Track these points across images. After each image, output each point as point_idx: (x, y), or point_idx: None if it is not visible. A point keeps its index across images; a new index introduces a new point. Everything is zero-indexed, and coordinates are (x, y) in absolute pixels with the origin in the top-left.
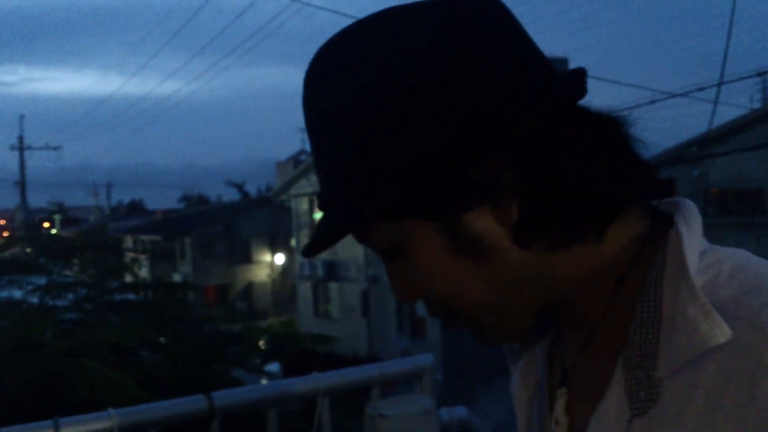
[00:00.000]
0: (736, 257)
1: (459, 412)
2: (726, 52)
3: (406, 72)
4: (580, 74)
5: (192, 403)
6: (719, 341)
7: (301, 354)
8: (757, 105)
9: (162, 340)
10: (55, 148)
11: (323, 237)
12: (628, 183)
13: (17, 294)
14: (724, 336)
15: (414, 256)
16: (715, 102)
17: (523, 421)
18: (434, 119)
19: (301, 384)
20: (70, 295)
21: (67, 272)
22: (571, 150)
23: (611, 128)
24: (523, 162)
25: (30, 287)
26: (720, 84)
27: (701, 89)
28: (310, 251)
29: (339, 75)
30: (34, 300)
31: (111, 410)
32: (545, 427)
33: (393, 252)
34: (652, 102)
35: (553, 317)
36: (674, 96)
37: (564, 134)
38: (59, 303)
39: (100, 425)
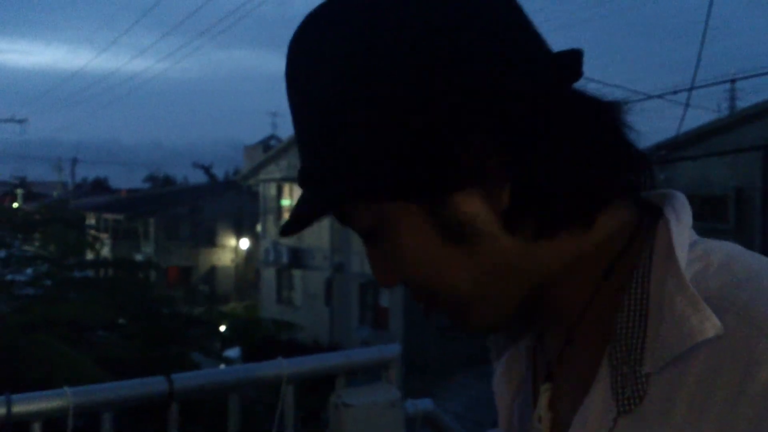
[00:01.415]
0: (725, 249)
1: (424, 404)
2: (699, 56)
3: (389, 47)
4: (576, 55)
5: (151, 385)
6: (708, 335)
7: (262, 340)
8: (725, 113)
9: (121, 320)
10: (20, 121)
11: (302, 216)
12: (620, 171)
13: None
14: (713, 329)
15: (396, 239)
16: (686, 105)
17: (505, 417)
18: (418, 95)
19: (265, 369)
20: (29, 270)
21: (27, 247)
22: (563, 133)
23: (605, 114)
24: (512, 142)
25: None
26: (691, 89)
27: (675, 92)
28: (288, 230)
29: (320, 50)
30: None
31: (66, 388)
32: (528, 424)
33: (374, 234)
34: (625, 103)
35: (538, 310)
36: (650, 97)
37: (555, 116)
38: (17, 277)
39: (54, 403)
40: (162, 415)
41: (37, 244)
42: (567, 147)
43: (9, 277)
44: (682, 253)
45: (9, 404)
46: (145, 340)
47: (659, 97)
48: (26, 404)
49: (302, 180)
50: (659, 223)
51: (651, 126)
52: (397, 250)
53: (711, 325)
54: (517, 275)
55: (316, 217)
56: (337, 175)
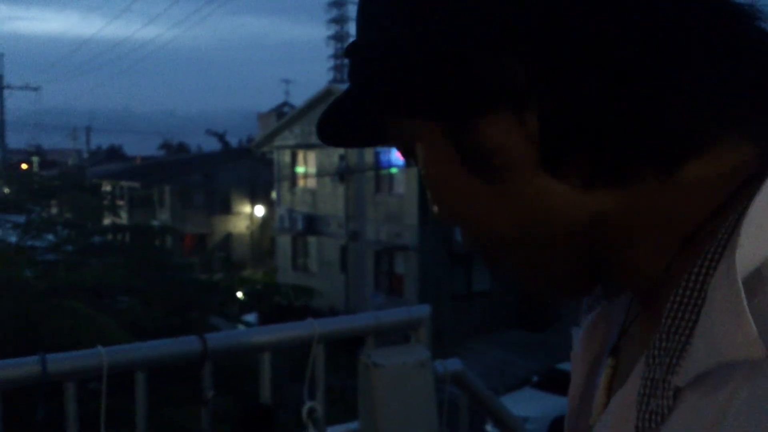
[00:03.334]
0: None
1: (453, 364)
2: None
3: None
4: None
5: (185, 344)
6: (740, 356)
7: (278, 307)
8: None
9: (141, 285)
10: (34, 89)
11: (335, 119)
12: (738, 87)
13: None
14: (751, 351)
15: (423, 164)
16: None
17: (577, 385)
18: None
19: (297, 329)
20: (50, 236)
21: (45, 214)
22: (633, 35)
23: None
24: (556, 52)
25: (8, 225)
26: None
27: None
28: (326, 130)
29: None
30: (13, 239)
31: (101, 348)
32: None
33: (408, 155)
34: None
35: (606, 273)
36: None
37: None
38: (38, 243)
39: (89, 362)
40: (194, 375)
41: (54, 210)
42: (638, 57)
43: (29, 243)
44: (755, 232)
45: (44, 363)
46: (165, 306)
47: None
48: (61, 363)
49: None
50: (761, 195)
51: None
52: (428, 177)
53: (750, 345)
54: (572, 234)
55: (348, 126)
56: (368, 85)
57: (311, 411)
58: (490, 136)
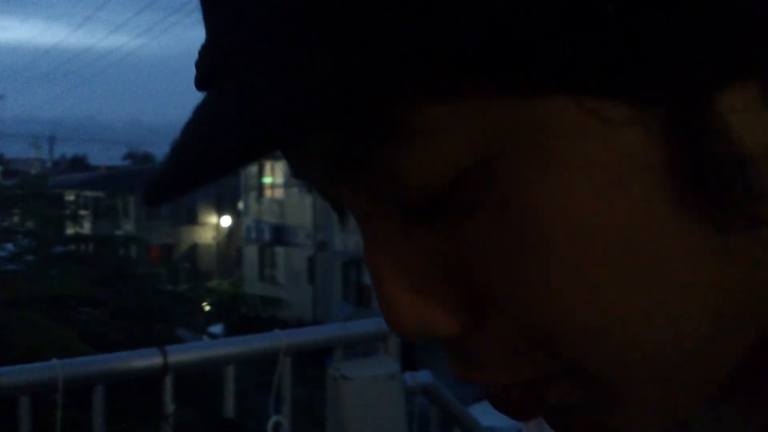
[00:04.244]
0: None
1: (423, 377)
2: None
3: None
4: None
5: (144, 357)
6: None
7: (245, 317)
8: None
9: (104, 296)
10: None
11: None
12: None
13: None
14: None
15: (546, 193)
16: None
17: None
18: None
19: (262, 341)
20: (10, 246)
21: (7, 223)
22: None
23: None
24: None
25: None
26: None
27: None
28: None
29: None
30: None
31: (56, 361)
32: None
33: (443, 195)
34: None
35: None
36: None
37: None
38: None
39: (44, 375)
40: (156, 388)
41: (16, 219)
42: None
43: None
44: None
45: None
46: (129, 317)
47: None
48: (13, 377)
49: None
50: None
51: None
52: (527, 220)
53: None
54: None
55: (277, 143)
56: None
57: (277, 426)
58: (746, 126)
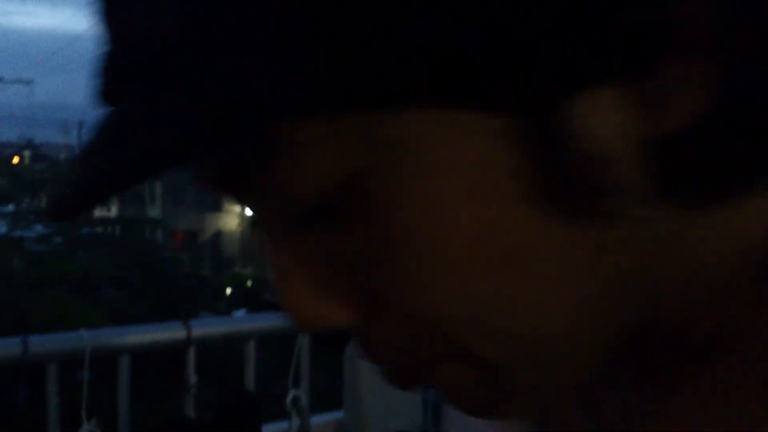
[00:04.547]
0: None
1: None
2: None
3: None
4: None
5: (169, 330)
6: None
7: (267, 303)
8: None
9: (130, 278)
10: (27, 83)
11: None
12: None
13: None
14: None
15: (414, 200)
16: None
17: None
18: None
19: (282, 318)
20: (39, 228)
21: (35, 205)
22: None
23: None
24: None
25: None
26: None
27: None
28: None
29: None
30: (2, 230)
31: (83, 331)
32: None
33: (338, 203)
34: None
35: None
36: None
37: None
38: (27, 234)
39: (71, 345)
40: (178, 363)
41: (44, 202)
42: None
43: (18, 234)
44: None
45: (26, 345)
46: (153, 300)
47: None
48: (43, 345)
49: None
50: None
51: None
52: (400, 225)
53: None
54: (648, 289)
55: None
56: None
57: (295, 399)
58: (595, 129)
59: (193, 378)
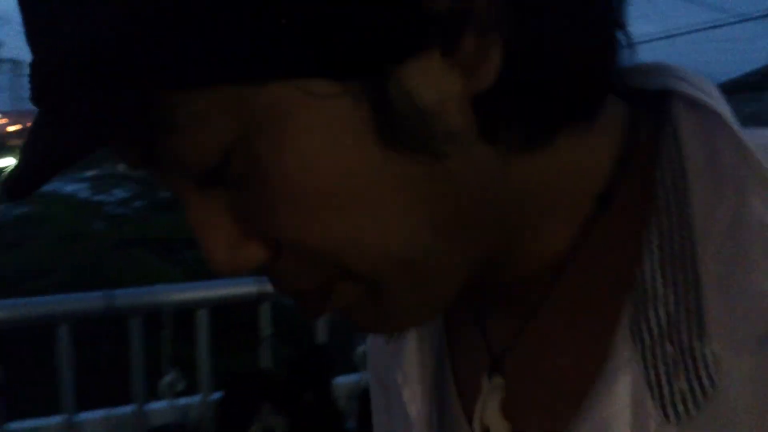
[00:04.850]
0: None
1: None
2: None
3: None
4: None
5: (241, 285)
6: None
7: None
8: None
9: None
10: None
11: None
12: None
13: (66, 188)
14: None
15: (285, 154)
16: None
17: (423, 426)
18: None
19: None
20: (119, 192)
21: (116, 170)
22: None
23: None
24: None
25: (77, 180)
26: None
27: None
28: (21, 186)
29: None
30: (84, 194)
31: (162, 285)
32: None
33: (227, 163)
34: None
35: (494, 271)
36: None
37: None
38: (108, 198)
39: (152, 298)
40: (255, 316)
41: (122, 167)
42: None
43: (98, 198)
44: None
45: (110, 299)
46: None
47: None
48: (126, 299)
49: (41, 82)
50: (676, 113)
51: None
52: (281, 177)
53: None
54: (486, 218)
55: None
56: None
57: (364, 354)
58: (423, 88)
59: (266, 331)
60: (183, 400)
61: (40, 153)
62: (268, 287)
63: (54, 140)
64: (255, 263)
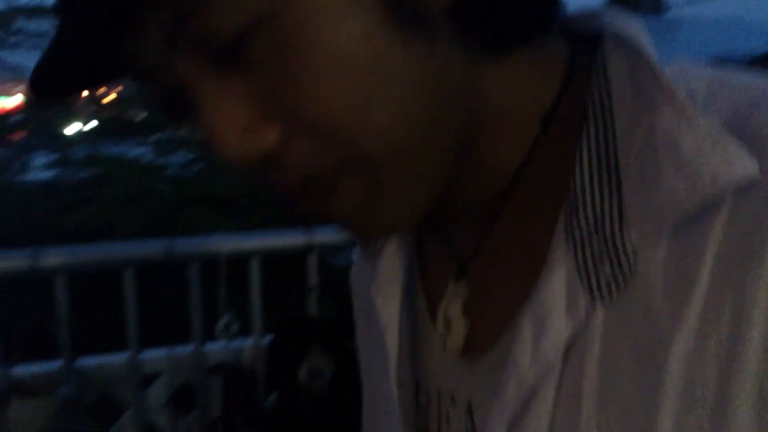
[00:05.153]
0: (702, 73)
1: None
2: None
3: None
4: None
5: (291, 236)
6: (738, 179)
7: None
8: None
9: (266, 201)
10: None
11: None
12: None
13: (131, 153)
14: (746, 171)
15: (309, 30)
16: None
17: (394, 338)
18: None
19: None
20: (180, 156)
21: (179, 134)
22: None
23: None
24: None
25: (141, 143)
26: None
27: None
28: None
29: None
30: (147, 158)
31: (218, 235)
32: (423, 341)
33: (250, 40)
34: None
35: (458, 179)
36: None
37: None
38: (170, 161)
39: (209, 247)
40: (305, 265)
41: (184, 131)
42: None
43: (162, 161)
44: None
45: (170, 246)
46: (287, 220)
47: None
48: (184, 247)
49: None
50: (606, 49)
51: None
52: (307, 46)
53: (742, 167)
54: (459, 117)
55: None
56: None
57: None
58: None
59: (313, 279)
60: (237, 342)
61: (70, 29)
62: (316, 239)
63: (83, 13)
64: (267, 148)
